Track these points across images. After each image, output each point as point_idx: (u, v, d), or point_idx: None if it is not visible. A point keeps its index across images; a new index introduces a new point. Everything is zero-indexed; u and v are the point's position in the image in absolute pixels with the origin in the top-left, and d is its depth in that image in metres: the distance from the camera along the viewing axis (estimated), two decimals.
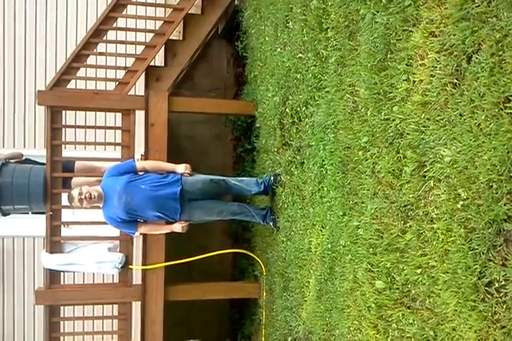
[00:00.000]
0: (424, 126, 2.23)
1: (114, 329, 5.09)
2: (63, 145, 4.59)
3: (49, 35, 5.93)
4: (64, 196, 4.31)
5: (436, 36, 2.18)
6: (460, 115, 2.02)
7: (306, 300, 3.55)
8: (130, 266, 4.57)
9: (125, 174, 3.94)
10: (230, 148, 6.17)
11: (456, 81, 2.05)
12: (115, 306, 4.99)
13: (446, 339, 2.04)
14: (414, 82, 2.31)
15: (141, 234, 4.51)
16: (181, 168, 4.03)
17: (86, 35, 4.56)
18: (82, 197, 3.81)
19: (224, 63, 6.14)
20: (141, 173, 4.04)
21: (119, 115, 4.77)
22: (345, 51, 2.95)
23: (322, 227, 3.30)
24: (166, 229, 4.19)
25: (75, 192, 3.85)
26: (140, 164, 4.08)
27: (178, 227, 4.05)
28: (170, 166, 4.10)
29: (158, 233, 4.39)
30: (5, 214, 4.32)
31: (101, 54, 4.82)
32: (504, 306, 1.77)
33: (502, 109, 1.81)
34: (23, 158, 4.79)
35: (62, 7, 5.92)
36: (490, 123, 1.86)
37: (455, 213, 2.03)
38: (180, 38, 5.01)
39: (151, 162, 4.27)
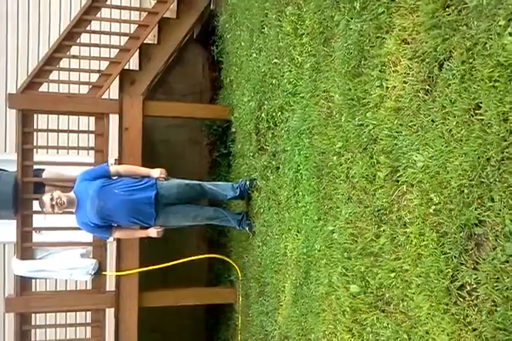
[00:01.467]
0: (397, 132, 2.26)
1: (87, 337, 5.01)
2: (35, 150, 4.51)
3: (21, 37, 5.83)
4: (35, 202, 4.24)
5: (408, 43, 2.21)
6: (432, 121, 2.05)
7: (281, 305, 3.56)
8: (103, 273, 4.50)
9: (98, 179, 3.87)
10: (205, 152, 6.15)
11: (428, 87, 2.09)
12: (88, 313, 4.91)
13: None
14: (387, 88, 2.34)
15: (115, 238, 4.45)
16: (156, 173, 3.99)
17: (59, 37, 4.49)
18: (54, 202, 3.75)
19: (200, 68, 6.14)
20: (114, 178, 3.99)
21: (92, 119, 4.71)
22: (320, 57, 2.98)
23: (297, 232, 3.31)
24: (141, 234, 4.15)
25: (46, 198, 3.78)
26: (114, 168, 4.03)
27: (153, 232, 4.01)
28: (145, 171, 4.06)
29: (133, 238, 4.35)
30: None
31: (74, 57, 4.74)
32: (476, 309, 1.80)
33: (473, 116, 1.85)
34: None
35: (34, 8, 5.82)
36: (461, 129, 1.89)
37: (427, 217, 2.06)
38: (156, 42, 4.98)
39: (126, 166, 4.21)
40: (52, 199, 3.75)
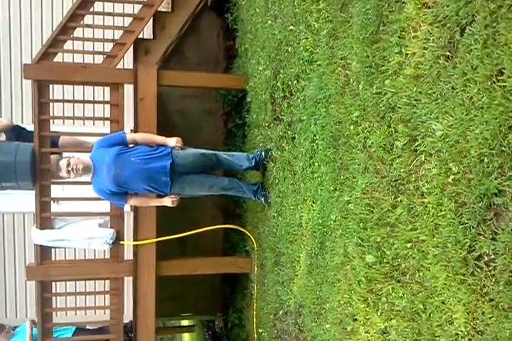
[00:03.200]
0: (416, 100, 2.20)
1: (106, 304, 5.13)
2: (51, 120, 4.52)
3: (34, 7, 5.78)
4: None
5: (429, 7, 2.13)
6: (452, 88, 1.99)
7: (297, 275, 3.58)
8: (121, 242, 4.56)
9: (115, 146, 3.86)
10: (220, 122, 6.10)
11: (448, 53, 2.02)
12: (107, 281, 5.01)
13: (436, 312, 2.07)
14: (406, 54, 2.27)
15: (132, 208, 4.48)
16: (172, 142, 3.96)
17: (72, 6, 4.43)
18: (70, 169, 3.76)
19: (214, 36, 6.02)
20: (131, 145, 3.98)
21: (107, 89, 4.69)
22: (337, 23, 2.89)
23: (313, 202, 3.30)
24: (156, 202, 4.16)
25: (62, 163, 3.79)
26: (130, 136, 3.99)
27: (168, 201, 4.02)
28: (161, 139, 4.02)
29: (148, 206, 4.36)
30: None
31: (88, 26, 4.69)
32: (493, 279, 1.79)
33: (495, 82, 1.79)
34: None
35: None
36: (482, 97, 1.83)
37: (446, 187, 2.02)
38: (169, 10, 4.89)
39: (142, 134, 4.17)
40: (68, 165, 3.76)
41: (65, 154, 4.41)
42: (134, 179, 3.84)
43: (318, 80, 3.17)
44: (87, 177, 4.00)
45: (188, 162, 3.98)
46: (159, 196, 4.12)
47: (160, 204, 4.13)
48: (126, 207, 4.78)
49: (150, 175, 3.85)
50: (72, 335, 5.12)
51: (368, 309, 2.57)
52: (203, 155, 4.08)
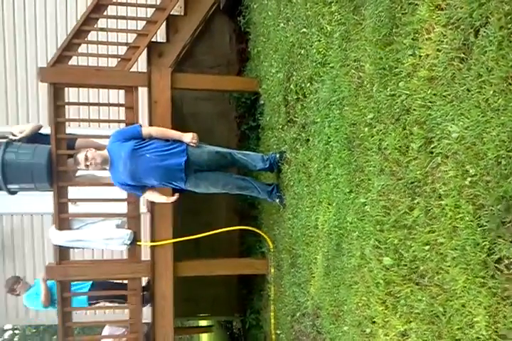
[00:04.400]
0: (430, 102, 2.20)
1: (124, 305, 5.18)
2: (67, 123, 4.58)
3: (49, 10, 5.84)
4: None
5: (442, 9, 2.12)
6: (467, 90, 1.98)
7: (313, 277, 3.58)
8: (138, 243, 4.61)
9: (130, 140, 3.86)
10: (234, 125, 6.12)
11: (463, 55, 2.01)
12: (125, 282, 5.06)
13: (456, 315, 2.06)
14: (420, 56, 2.26)
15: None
16: (188, 137, 3.93)
17: (86, 10, 4.48)
18: (88, 163, 3.82)
19: (226, 39, 6.04)
20: (145, 140, 3.94)
21: (122, 92, 4.73)
22: (350, 25, 2.89)
23: (329, 204, 3.30)
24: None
25: (81, 156, 3.84)
26: (146, 130, 3.96)
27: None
28: (177, 134, 3.97)
29: (163, 201, 4.27)
30: (12, 193, 4.34)
31: (102, 30, 4.74)
32: None
33: (511, 84, 1.77)
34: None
35: None
36: (498, 99, 1.82)
37: (463, 189, 2.01)
38: (182, 13, 4.92)
39: (158, 128, 4.12)
40: (86, 159, 3.81)
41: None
42: (149, 175, 3.88)
43: (331, 82, 3.17)
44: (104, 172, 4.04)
45: (203, 160, 3.99)
46: (175, 190, 4.13)
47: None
48: (143, 208, 4.83)
49: (165, 171, 3.88)
50: (89, 291, 5.19)
51: (386, 311, 2.57)
52: (218, 153, 4.09)
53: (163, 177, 3.92)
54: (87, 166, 3.84)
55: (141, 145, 3.86)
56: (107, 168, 3.95)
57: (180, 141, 3.96)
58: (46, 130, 4.61)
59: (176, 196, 4.00)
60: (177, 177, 3.94)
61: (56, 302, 4.65)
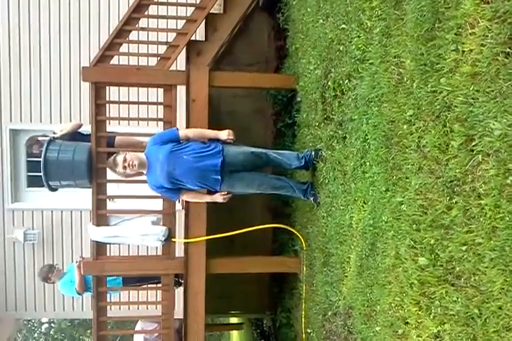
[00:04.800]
0: (473, 98, 2.14)
1: (158, 300, 5.25)
2: (107, 121, 4.67)
3: (92, 11, 5.98)
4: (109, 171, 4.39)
5: (488, 3, 2.06)
6: None
7: (346, 276, 3.54)
8: (173, 239, 4.66)
9: (168, 143, 3.95)
10: (270, 122, 6.12)
11: (508, 50, 1.94)
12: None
13: (492, 317, 2.00)
14: (463, 52, 2.20)
15: (183, 207, 4.56)
16: (224, 134, 4.01)
17: (128, 10, 4.56)
18: (126, 164, 3.88)
19: (265, 36, 6.05)
20: (183, 142, 4.03)
21: (161, 90, 4.80)
22: (391, 21, 2.84)
23: (364, 203, 3.25)
24: (207, 198, 4.23)
25: (119, 158, 3.92)
26: (183, 132, 4.06)
27: (218, 198, 4.09)
28: (213, 133, 4.08)
29: (200, 201, 4.43)
30: (53, 190, 4.46)
31: (143, 29, 4.82)
32: None
33: None
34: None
35: None
36: None
37: (504, 189, 1.95)
38: (221, 12, 4.95)
39: (195, 130, 4.25)
40: (125, 160, 3.89)
41: None
42: (186, 176, 3.93)
43: (370, 79, 3.13)
44: (141, 176, 4.11)
45: (239, 160, 4.03)
46: (210, 192, 4.19)
47: (211, 201, 4.19)
48: (178, 205, 4.87)
49: (201, 172, 3.93)
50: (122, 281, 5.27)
51: (420, 312, 2.51)
52: (253, 153, 4.11)
53: (199, 179, 3.96)
54: (124, 168, 3.90)
55: (179, 148, 3.94)
56: (144, 171, 4.02)
57: (216, 142, 4.01)
58: (86, 128, 4.71)
59: (227, 194, 4.06)
60: (212, 179, 3.98)
61: (91, 288, 4.76)
